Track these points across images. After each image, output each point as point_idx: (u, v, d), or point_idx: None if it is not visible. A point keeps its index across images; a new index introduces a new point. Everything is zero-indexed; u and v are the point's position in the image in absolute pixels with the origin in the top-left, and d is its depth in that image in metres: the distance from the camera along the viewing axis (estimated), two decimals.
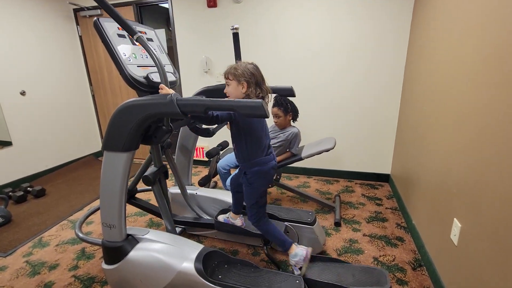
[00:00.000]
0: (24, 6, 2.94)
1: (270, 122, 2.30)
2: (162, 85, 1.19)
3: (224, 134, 2.14)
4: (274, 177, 2.21)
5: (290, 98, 2.21)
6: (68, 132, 3.50)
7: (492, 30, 1.10)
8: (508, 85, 0.97)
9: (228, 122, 1.34)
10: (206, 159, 3.39)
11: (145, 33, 1.43)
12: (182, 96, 1.12)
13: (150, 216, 2.30)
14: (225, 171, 2.30)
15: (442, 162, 1.51)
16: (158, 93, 1.18)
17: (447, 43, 1.55)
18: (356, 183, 2.83)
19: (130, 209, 2.44)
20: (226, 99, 1.22)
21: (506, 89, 0.98)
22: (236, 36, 1.67)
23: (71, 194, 2.78)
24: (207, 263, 1.29)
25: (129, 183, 1.66)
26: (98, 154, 3.88)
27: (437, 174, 1.57)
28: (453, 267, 1.30)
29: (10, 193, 2.63)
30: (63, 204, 2.57)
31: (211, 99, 1.03)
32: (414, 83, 2.18)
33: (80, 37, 3.51)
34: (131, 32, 1.11)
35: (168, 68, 1.45)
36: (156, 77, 1.26)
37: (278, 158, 2.19)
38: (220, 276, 1.28)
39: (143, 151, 3.77)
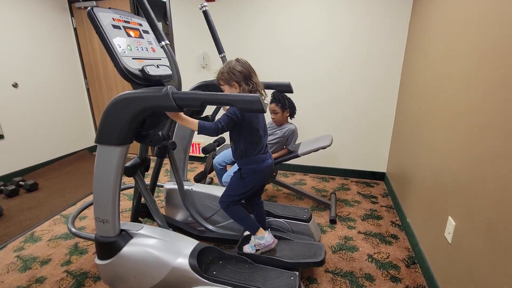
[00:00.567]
0: None
1: (267, 118, 2.29)
2: (182, 114, 1.18)
3: None
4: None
5: (288, 95, 2.20)
6: (62, 126, 3.45)
7: (489, 29, 1.10)
8: (503, 84, 0.97)
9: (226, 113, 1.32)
10: (202, 155, 3.37)
11: (141, 25, 1.40)
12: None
13: None
14: (221, 167, 2.29)
15: (437, 161, 1.52)
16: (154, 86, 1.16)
17: (445, 42, 1.55)
18: (351, 181, 2.84)
19: (125, 204, 2.42)
20: (222, 93, 1.21)
21: (502, 89, 0.98)
22: (206, 14, 1.63)
23: (65, 189, 2.74)
24: (202, 259, 1.28)
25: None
26: (93, 149, 3.83)
27: (432, 172, 1.57)
28: (446, 264, 1.31)
29: (2, 187, 2.58)
30: (56, 199, 2.53)
31: (207, 92, 1.01)
32: (411, 81, 2.18)
33: (75, 29, 3.45)
34: (160, 38, 1.08)
35: (164, 61, 1.42)
36: (151, 70, 1.23)
37: (274, 155, 2.18)
38: (214, 272, 1.27)
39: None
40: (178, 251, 1.26)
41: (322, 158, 2.94)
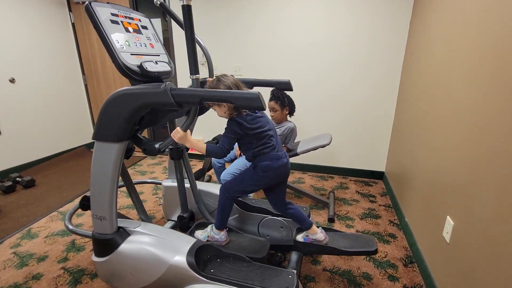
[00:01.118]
0: None
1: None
2: (190, 137, 1.22)
3: (219, 127, 2.10)
4: None
5: (287, 93, 2.19)
6: (60, 122, 3.42)
7: (489, 29, 1.09)
8: (503, 84, 0.96)
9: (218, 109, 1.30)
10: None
11: (140, 20, 1.38)
12: None
13: None
14: (220, 165, 2.28)
15: (436, 160, 1.52)
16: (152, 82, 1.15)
17: (445, 42, 1.54)
18: (350, 180, 2.84)
19: (123, 201, 2.41)
20: (221, 90, 1.20)
21: (502, 89, 0.97)
22: (163, 6, 1.58)
23: (62, 185, 2.73)
24: (200, 257, 1.28)
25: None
26: (90, 146, 3.81)
27: (431, 172, 1.57)
28: (444, 264, 1.31)
29: None
30: (53, 195, 2.52)
31: (206, 89, 1.00)
32: (411, 81, 2.18)
33: (73, 24, 3.42)
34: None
35: (163, 57, 1.41)
36: (150, 66, 1.22)
37: None
38: (212, 270, 1.27)
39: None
40: (176, 249, 1.25)
41: (321, 157, 2.94)
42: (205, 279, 1.19)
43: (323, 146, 2.07)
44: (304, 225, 1.46)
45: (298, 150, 2.13)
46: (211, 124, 2.85)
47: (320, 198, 2.31)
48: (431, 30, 1.80)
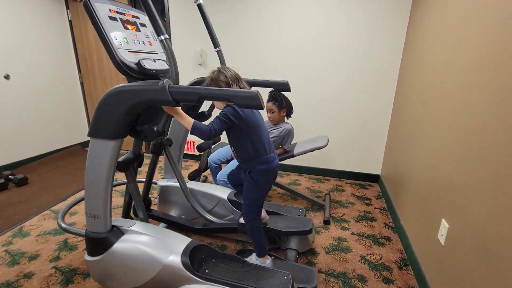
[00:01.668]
0: None
1: (263, 117, 2.28)
2: (180, 110, 1.16)
3: None
4: None
5: (286, 94, 2.19)
6: (55, 120, 3.38)
7: (485, 32, 1.11)
8: (499, 88, 0.98)
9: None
10: (197, 153, 3.35)
11: (139, 18, 1.38)
12: None
13: None
14: (216, 165, 2.27)
15: (431, 164, 1.53)
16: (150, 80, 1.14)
17: (442, 45, 1.56)
18: (346, 183, 2.85)
19: (117, 200, 2.38)
20: (220, 88, 1.19)
21: (497, 92, 0.98)
22: (201, 8, 1.62)
23: (55, 184, 2.69)
24: (194, 257, 1.27)
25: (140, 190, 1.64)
26: (85, 144, 3.77)
27: (426, 175, 1.58)
28: (438, 266, 1.32)
29: None
30: (46, 194, 2.48)
31: (204, 87, 1.00)
32: (407, 85, 2.20)
33: (70, 21, 3.39)
34: (159, 32, 1.05)
35: (161, 55, 1.40)
36: (148, 64, 1.21)
37: None
38: (207, 271, 1.26)
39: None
40: (171, 249, 1.24)
41: (317, 159, 2.95)
42: (199, 279, 1.18)
43: (319, 148, 2.08)
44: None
45: (295, 152, 2.13)
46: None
47: (316, 200, 2.31)
48: (428, 32, 1.83)
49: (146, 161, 3.32)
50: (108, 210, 1.24)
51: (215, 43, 1.72)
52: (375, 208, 2.35)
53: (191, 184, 1.88)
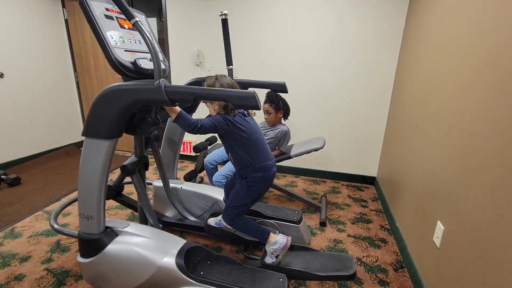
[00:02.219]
0: None
1: (261, 118, 2.28)
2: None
3: None
4: None
5: (283, 95, 2.19)
6: (49, 120, 3.34)
7: (482, 38, 1.12)
8: (494, 93, 0.98)
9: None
10: (193, 154, 3.33)
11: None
12: None
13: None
14: (212, 166, 2.26)
15: (427, 166, 1.53)
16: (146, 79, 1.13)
17: (437, 51, 1.57)
18: (342, 184, 2.85)
19: (112, 202, 2.35)
20: (216, 88, 1.19)
21: (492, 97, 0.99)
22: (225, 23, 1.62)
23: (49, 184, 2.65)
24: (189, 259, 1.25)
25: (114, 179, 1.58)
26: (80, 144, 3.73)
27: (422, 177, 1.59)
28: (434, 268, 1.32)
29: None
30: (39, 194, 2.45)
31: (201, 87, 0.99)
32: (403, 88, 2.21)
33: (66, 20, 3.36)
34: (129, 16, 1.04)
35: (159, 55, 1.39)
36: (144, 63, 1.20)
37: None
38: (202, 273, 1.24)
39: (129, 144, 3.67)
40: (165, 250, 1.22)
41: (314, 161, 2.95)
42: (194, 282, 1.16)
43: (316, 150, 2.08)
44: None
45: (291, 153, 2.12)
46: None
47: (312, 202, 2.31)
48: (424, 38, 1.84)
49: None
50: (101, 210, 1.22)
51: (229, 61, 1.71)
52: (371, 210, 2.35)
53: (186, 185, 1.86)
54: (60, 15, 3.33)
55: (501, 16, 1.02)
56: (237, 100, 0.96)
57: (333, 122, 2.79)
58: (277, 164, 2.26)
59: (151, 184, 1.94)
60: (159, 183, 1.87)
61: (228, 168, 2.09)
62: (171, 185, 1.79)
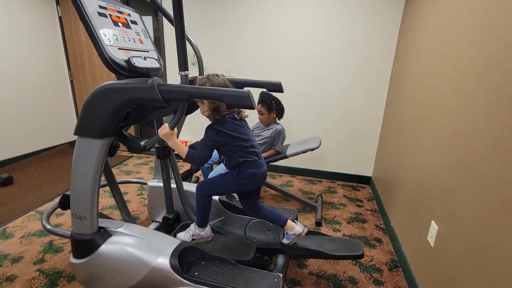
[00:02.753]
0: None
1: (255, 120, 2.27)
2: (175, 137, 1.21)
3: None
4: None
5: (279, 95, 2.18)
6: (43, 119, 3.30)
7: (476, 36, 1.12)
8: (489, 92, 0.99)
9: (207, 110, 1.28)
10: None
11: (129, 15, 1.35)
12: None
13: None
14: (208, 166, 2.25)
15: (421, 166, 1.54)
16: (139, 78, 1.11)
17: (433, 49, 1.58)
18: (338, 184, 2.86)
19: (106, 201, 2.33)
20: (210, 87, 1.18)
21: (487, 96, 1.00)
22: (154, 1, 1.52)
23: (42, 184, 2.62)
24: (184, 259, 1.24)
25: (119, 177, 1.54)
26: (74, 144, 3.68)
27: (417, 177, 1.60)
28: (428, 268, 1.33)
29: None
30: (32, 194, 2.41)
31: (194, 86, 0.98)
32: (398, 88, 2.22)
33: (60, 18, 3.32)
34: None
35: (152, 54, 1.38)
36: (138, 62, 1.19)
37: (262, 155, 2.16)
38: (196, 273, 1.23)
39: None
40: (159, 251, 1.21)
41: (310, 161, 2.95)
42: (188, 282, 1.15)
43: (312, 150, 2.08)
44: (279, 222, 1.46)
45: (287, 153, 2.12)
46: (201, 125, 2.80)
47: (308, 201, 2.31)
48: (419, 37, 1.85)
49: (135, 161, 3.28)
50: (95, 211, 1.21)
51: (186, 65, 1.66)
52: (366, 209, 2.36)
53: (183, 185, 1.85)
54: (54, 13, 3.29)
55: (497, 15, 1.02)
56: (231, 99, 0.95)
57: (329, 122, 2.80)
58: (273, 163, 2.27)
59: (146, 184, 1.93)
60: (154, 183, 1.85)
61: (223, 167, 2.08)
62: (172, 185, 1.77)
